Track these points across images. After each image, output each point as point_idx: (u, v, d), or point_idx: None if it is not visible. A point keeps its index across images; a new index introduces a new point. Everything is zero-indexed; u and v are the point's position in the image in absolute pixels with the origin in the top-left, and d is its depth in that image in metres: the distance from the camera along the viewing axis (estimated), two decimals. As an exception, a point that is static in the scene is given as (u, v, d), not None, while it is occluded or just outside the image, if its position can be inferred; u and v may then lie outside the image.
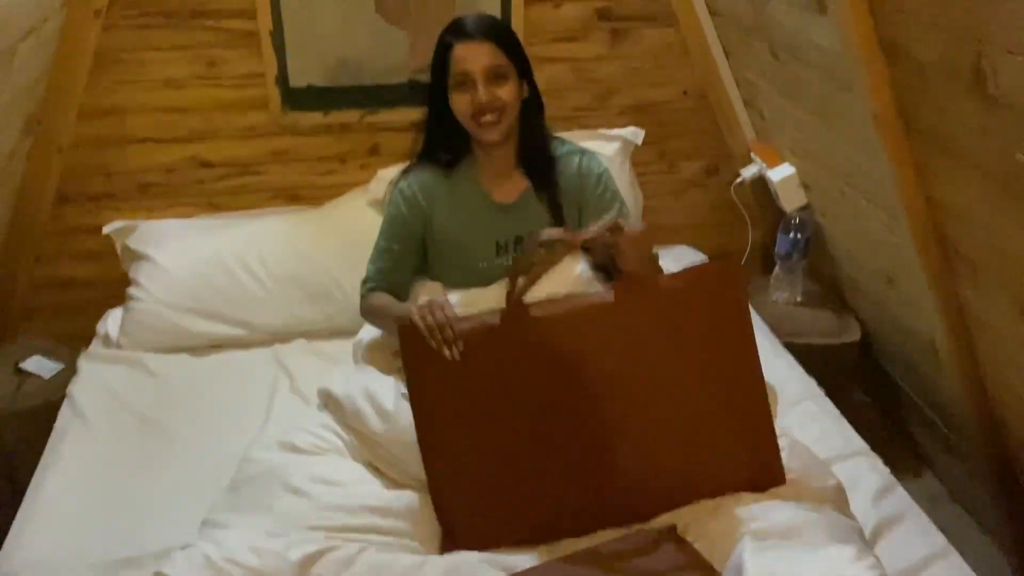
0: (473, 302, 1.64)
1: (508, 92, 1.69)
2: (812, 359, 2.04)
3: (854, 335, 2.26)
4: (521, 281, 1.51)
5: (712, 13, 2.24)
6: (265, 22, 2.15)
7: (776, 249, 2.32)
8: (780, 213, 2.38)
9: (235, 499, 1.50)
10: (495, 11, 2.21)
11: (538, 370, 1.47)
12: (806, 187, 2.20)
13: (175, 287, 2.10)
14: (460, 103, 1.70)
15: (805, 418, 1.78)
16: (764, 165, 2.29)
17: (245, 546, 1.35)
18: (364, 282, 1.83)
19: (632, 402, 1.47)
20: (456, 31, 1.70)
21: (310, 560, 1.34)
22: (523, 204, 1.79)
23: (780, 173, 2.22)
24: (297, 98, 2.25)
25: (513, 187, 1.80)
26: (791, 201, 2.24)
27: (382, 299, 1.78)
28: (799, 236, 2.27)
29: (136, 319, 2.08)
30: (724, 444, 1.48)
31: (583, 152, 1.85)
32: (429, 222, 1.81)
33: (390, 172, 2.24)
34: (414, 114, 2.27)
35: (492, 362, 1.48)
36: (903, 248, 1.68)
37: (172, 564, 1.33)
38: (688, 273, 1.55)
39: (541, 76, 1.80)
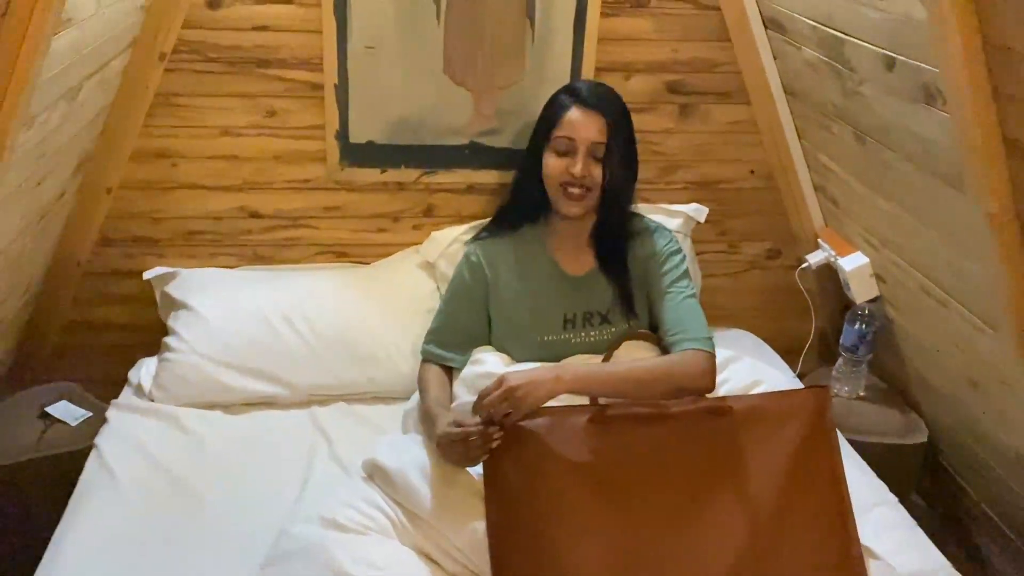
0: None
1: (602, 174, 1.64)
2: (874, 458, 1.92)
3: (920, 436, 2.15)
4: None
5: (788, 93, 2.18)
6: (331, 75, 2.10)
7: (841, 341, 2.22)
8: (845, 303, 2.29)
9: None
10: (565, 80, 2.16)
11: (616, 478, 1.42)
12: (879, 279, 2.10)
13: (214, 339, 2.01)
14: (554, 166, 1.67)
15: (879, 527, 1.65)
16: (833, 252, 2.21)
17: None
18: (425, 339, 1.81)
19: (710, 520, 1.40)
20: (576, 94, 1.68)
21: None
22: (592, 279, 1.73)
23: (853, 262, 2.13)
24: (355, 153, 2.19)
25: (584, 260, 1.75)
26: (862, 292, 2.15)
27: (430, 377, 1.73)
28: (867, 329, 2.18)
29: (171, 370, 1.99)
30: (809, 568, 1.40)
31: (656, 229, 1.79)
32: (493, 289, 1.75)
33: (444, 234, 2.20)
34: (473, 176, 2.25)
35: (570, 467, 1.42)
36: (997, 355, 1.58)
37: None
38: (776, 396, 1.56)
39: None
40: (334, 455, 1.83)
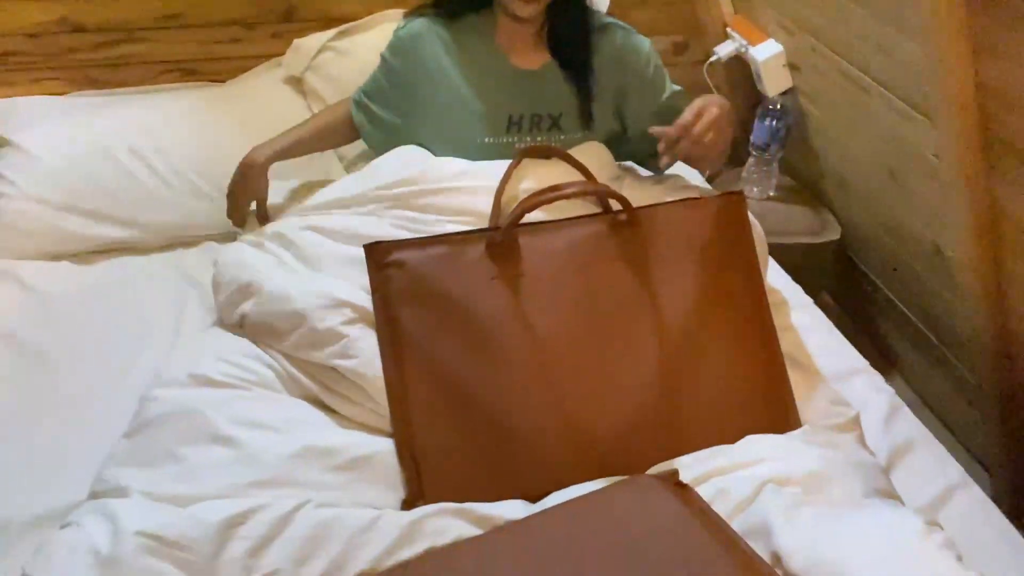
0: (477, 179, 1.40)
1: None
2: (786, 259, 1.83)
3: (833, 234, 2.09)
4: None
5: None
6: None
7: (752, 139, 2.09)
8: (755, 99, 2.14)
9: (135, 449, 1.19)
10: None
11: (527, 301, 1.25)
12: (794, 68, 1.94)
13: (49, 180, 1.73)
14: None
15: (798, 331, 1.58)
16: (744, 42, 2.02)
17: (147, 511, 1.06)
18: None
19: (630, 339, 1.27)
20: None
21: (234, 522, 1.06)
22: (546, 75, 1.49)
23: (765, 51, 1.95)
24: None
25: (537, 55, 1.50)
26: (775, 84, 1.99)
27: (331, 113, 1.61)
28: (779, 124, 2.04)
29: (1, 219, 1.71)
30: (733, 385, 1.29)
31: (624, 28, 1.55)
32: (424, 76, 1.49)
33: (309, 42, 1.92)
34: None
35: (475, 291, 1.25)
36: (922, 139, 1.46)
37: (46, 558, 1.02)
38: (688, 205, 1.37)
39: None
40: (206, 303, 1.61)
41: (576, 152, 1.44)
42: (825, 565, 0.97)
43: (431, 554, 1.09)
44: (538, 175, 1.40)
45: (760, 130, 2.06)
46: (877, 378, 1.54)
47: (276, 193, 1.74)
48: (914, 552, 0.93)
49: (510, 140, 1.48)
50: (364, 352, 1.25)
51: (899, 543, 0.95)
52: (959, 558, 0.93)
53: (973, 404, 1.81)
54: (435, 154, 1.48)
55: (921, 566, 0.91)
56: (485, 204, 1.36)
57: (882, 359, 2.13)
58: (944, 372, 1.87)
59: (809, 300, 1.72)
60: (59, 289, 1.65)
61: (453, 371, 1.24)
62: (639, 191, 1.42)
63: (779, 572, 1.01)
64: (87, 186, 1.74)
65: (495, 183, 1.37)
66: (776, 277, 1.73)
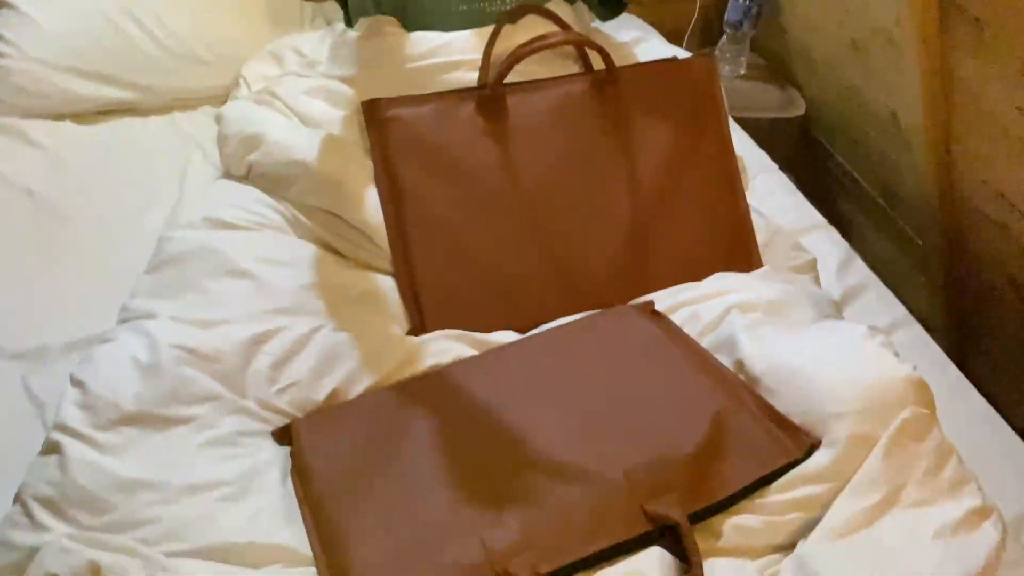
0: (452, 50, 1.49)
1: None
2: (753, 133, 1.94)
3: (799, 109, 2.20)
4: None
5: None
6: None
7: (726, 17, 2.18)
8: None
9: (158, 282, 1.29)
10: None
11: (515, 154, 1.37)
12: (767, -56, 2.02)
13: (50, 43, 1.77)
14: None
15: (762, 192, 1.71)
16: (720, -81, 2.09)
17: (179, 330, 1.17)
18: None
19: (610, 188, 1.40)
20: None
21: (258, 339, 1.18)
22: None
23: (741, -73, 2.02)
24: None
25: None
26: (749, -40, 2.07)
27: None
28: (752, 3, 2.13)
29: (3, 79, 1.76)
30: (702, 230, 1.44)
31: None
32: None
33: None
34: None
35: (467, 144, 1.36)
36: (885, 10, 1.57)
37: (92, 365, 1.13)
38: (666, 65, 1.51)
39: None
40: (210, 161, 1.69)
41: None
42: (782, 367, 1.12)
43: (435, 370, 1.22)
44: (518, 36, 1.46)
45: (734, 8, 2.15)
46: (834, 233, 1.69)
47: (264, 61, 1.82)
48: (858, 349, 1.09)
49: (482, 5, 1.56)
50: (366, 201, 1.36)
51: (846, 344, 1.11)
52: (896, 354, 1.09)
53: (919, 268, 1.97)
54: (408, 26, 1.53)
55: (864, 360, 1.07)
56: (465, 77, 1.45)
57: (840, 228, 2.28)
58: (895, 240, 2.02)
59: (773, 165, 1.84)
60: (65, 146, 1.72)
61: (448, 217, 1.36)
62: (614, 52, 1.51)
63: (742, 376, 1.17)
64: (87, 48, 1.78)
65: (474, 56, 1.46)
66: (742, 145, 1.85)
